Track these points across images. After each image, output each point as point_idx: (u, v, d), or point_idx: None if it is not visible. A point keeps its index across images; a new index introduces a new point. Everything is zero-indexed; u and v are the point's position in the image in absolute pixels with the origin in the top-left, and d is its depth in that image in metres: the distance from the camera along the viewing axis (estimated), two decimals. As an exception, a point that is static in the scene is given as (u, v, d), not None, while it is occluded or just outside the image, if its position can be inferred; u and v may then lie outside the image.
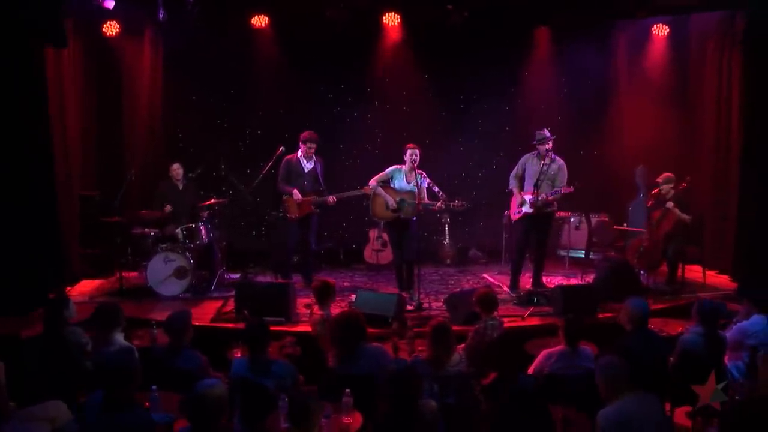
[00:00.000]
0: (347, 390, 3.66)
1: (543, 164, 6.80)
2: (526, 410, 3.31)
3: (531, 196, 6.81)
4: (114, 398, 3.35)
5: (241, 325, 5.92)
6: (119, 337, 4.61)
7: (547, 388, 3.97)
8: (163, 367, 4.18)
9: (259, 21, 8.42)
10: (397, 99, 9.14)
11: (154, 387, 3.71)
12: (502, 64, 8.89)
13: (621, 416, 3.26)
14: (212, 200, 7.49)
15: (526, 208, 6.89)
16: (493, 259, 8.98)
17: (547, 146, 6.82)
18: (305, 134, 7.19)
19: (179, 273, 6.96)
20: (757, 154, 7.02)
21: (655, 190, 7.39)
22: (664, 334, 5.35)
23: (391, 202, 6.77)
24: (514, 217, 7.11)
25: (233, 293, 6.65)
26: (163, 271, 6.93)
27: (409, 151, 6.70)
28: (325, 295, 5.20)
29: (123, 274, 7.16)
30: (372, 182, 6.89)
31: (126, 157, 8.52)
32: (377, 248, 8.70)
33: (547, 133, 6.89)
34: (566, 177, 6.86)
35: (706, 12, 7.72)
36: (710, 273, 7.68)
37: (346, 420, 3.62)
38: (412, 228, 6.76)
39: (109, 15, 7.90)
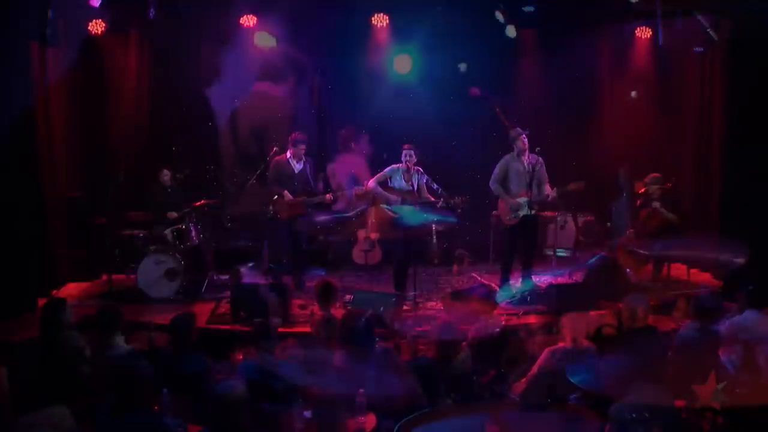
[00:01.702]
0: (360, 390, 3.67)
1: (528, 164, 6.83)
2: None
3: (527, 198, 6.83)
4: (126, 403, 3.31)
5: (237, 327, 5.92)
6: (120, 340, 4.55)
7: (553, 385, 4.04)
8: (168, 370, 4.13)
9: (248, 21, 8.35)
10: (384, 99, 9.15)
11: (165, 390, 3.67)
12: (489, 65, 8.96)
13: (634, 409, 3.33)
14: (202, 201, 7.43)
15: (525, 211, 6.85)
16: (480, 259, 9.06)
17: (522, 143, 6.83)
18: (294, 135, 7.15)
19: (170, 275, 6.88)
20: (739, 157, 7.18)
21: (642, 189, 7.55)
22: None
23: (394, 199, 6.72)
24: (509, 222, 6.97)
25: (225, 294, 6.61)
26: (154, 273, 6.85)
27: (404, 152, 6.69)
28: (327, 295, 5.17)
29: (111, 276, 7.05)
30: (371, 183, 6.85)
31: (111, 157, 8.36)
32: (366, 249, 8.68)
33: (519, 130, 6.93)
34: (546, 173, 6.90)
35: (692, 17, 7.88)
36: (693, 271, 7.85)
37: (360, 420, 3.63)
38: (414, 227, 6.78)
39: (95, 13, 7.76)
